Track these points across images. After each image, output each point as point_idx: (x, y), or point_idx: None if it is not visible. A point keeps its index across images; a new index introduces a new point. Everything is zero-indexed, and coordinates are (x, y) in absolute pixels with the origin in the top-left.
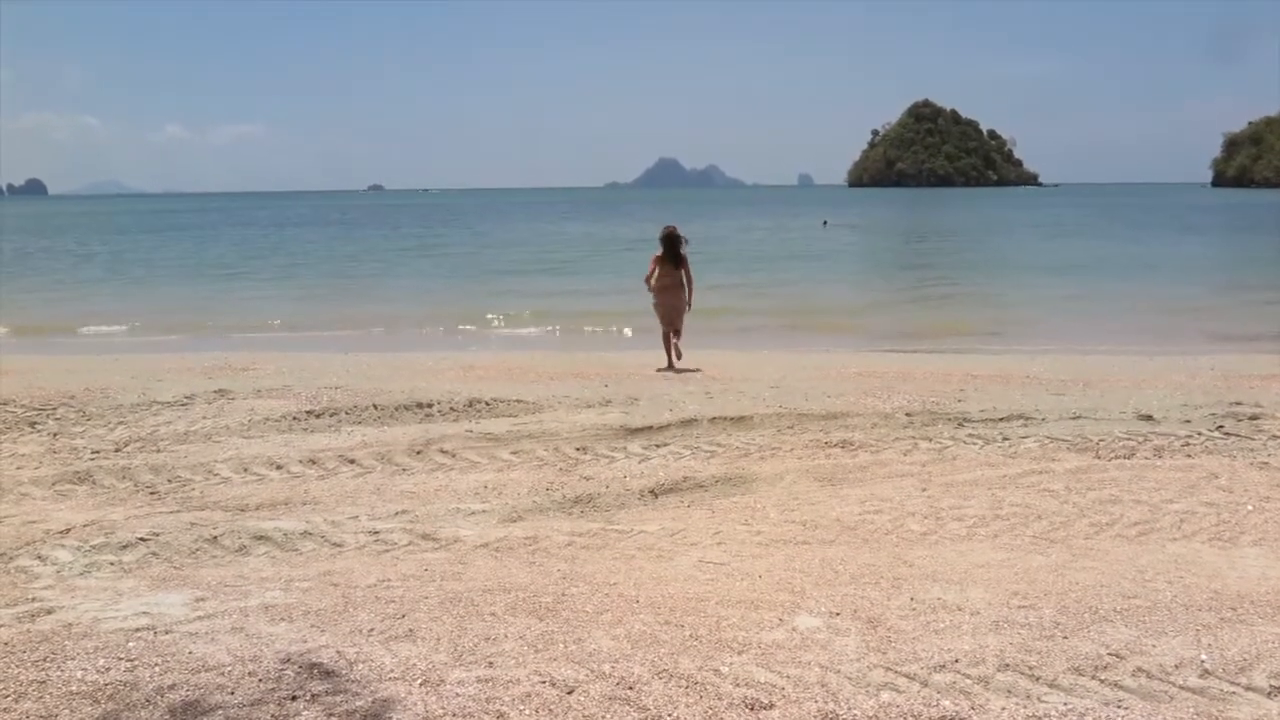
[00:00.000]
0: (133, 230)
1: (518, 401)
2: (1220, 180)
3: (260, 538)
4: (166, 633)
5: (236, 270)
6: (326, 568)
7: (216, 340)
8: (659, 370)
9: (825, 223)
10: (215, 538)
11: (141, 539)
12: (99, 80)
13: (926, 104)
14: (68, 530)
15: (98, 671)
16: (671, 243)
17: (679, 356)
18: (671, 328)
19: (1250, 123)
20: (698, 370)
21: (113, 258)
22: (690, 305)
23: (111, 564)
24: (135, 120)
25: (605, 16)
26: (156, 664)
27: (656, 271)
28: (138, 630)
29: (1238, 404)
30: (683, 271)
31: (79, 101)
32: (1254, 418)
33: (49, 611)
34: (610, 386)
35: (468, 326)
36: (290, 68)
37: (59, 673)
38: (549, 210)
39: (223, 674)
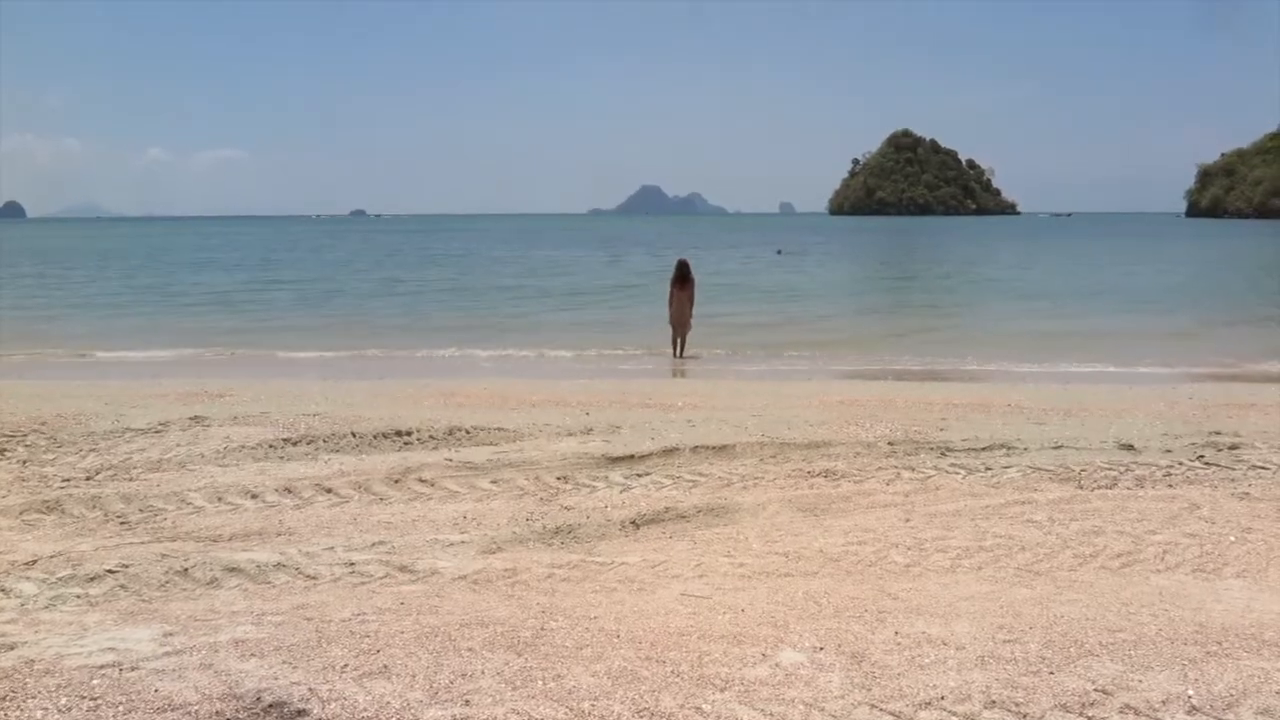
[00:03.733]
0: (128, 255)
1: (498, 429)
2: (1194, 211)
3: (232, 569)
4: (133, 669)
5: (244, 297)
6: (300, 601)
7: (194, 366)
8: (669, 354)
9: (779, 251)
10: (186, 570)
11: (110, 571)
12: (82, 102)
13: (906, 134)
14: (34, 561)
15: (59, 711)
16: (683, 269)
17: (683, 351)
18: (680, 331)
19: (1223, 154)
20: (679, 398)
21: (104, 282)
22: (692, 314)
23: (78, 597)
24: (117, 143)
25: (589, 44)
26: (120, 703)
27: (672, 293)
28: (103, 667)
29: (1217, 433)
30: (690, 290)
31: (61, 124)
32: (1234, 447)
33: (10, 647)
34: (592, 414)
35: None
36: (273, 93)
37: (18, 712)
38: (545, 238)
39: (189, 713)
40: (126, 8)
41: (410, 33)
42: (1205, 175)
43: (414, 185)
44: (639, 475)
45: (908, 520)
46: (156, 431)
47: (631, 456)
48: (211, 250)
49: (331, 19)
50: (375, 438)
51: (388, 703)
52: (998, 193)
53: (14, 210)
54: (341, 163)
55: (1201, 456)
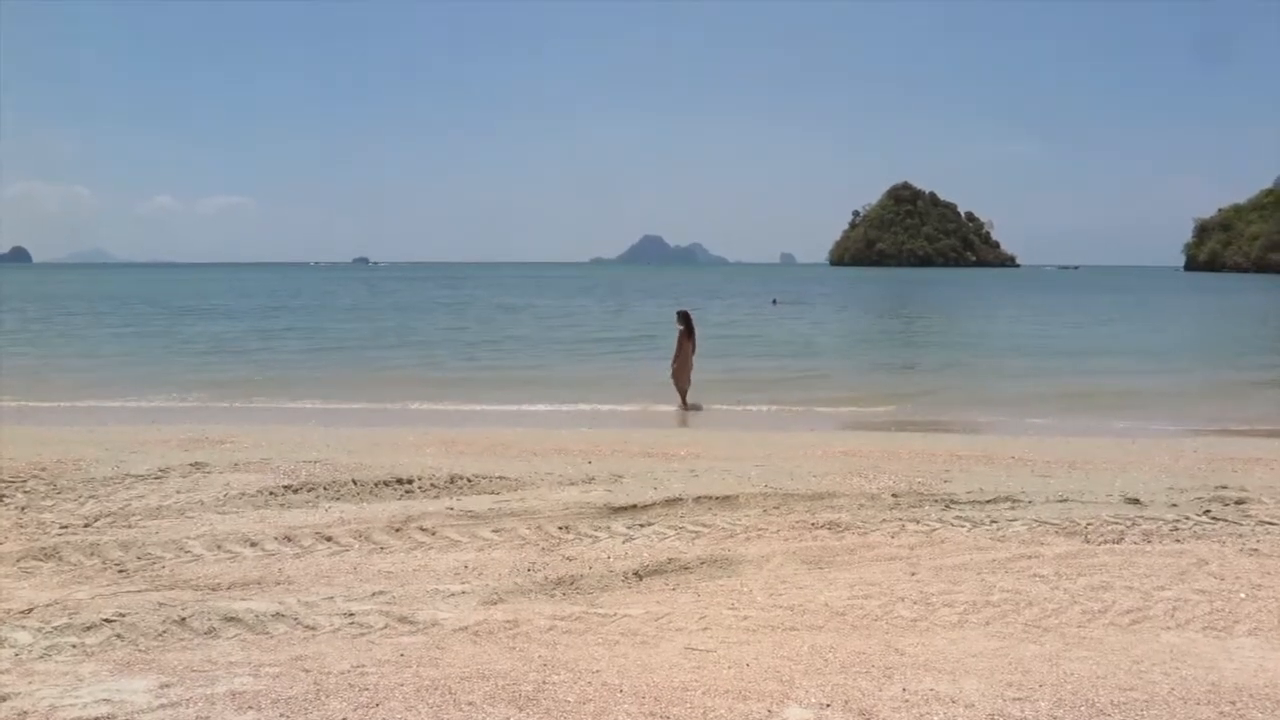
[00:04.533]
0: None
1: (500, 478)
2: (1192, 265)
3: (230, 619)
4: None
5: (249, 345)
6: (299, 652)
7: (196, 412)
8: (677, 408)
9: (775, 301)
10: (183, 619)
11: (106, 620)
12: (92, 150)
13: (906, 186)
14: (30, 610)
15: None
16: (688, 320)
17: (685, 401)
18: (685, 385)
19: (1220, 210)
20: (682, 447)
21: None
22: (693, 364)
23: (74, 646)
24: (125, 190)
25: (593, 95)
26: None
27: (680, 343)
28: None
29: (1223, 487)
30: (694, 341)
31: (70, 170)
32: (1240, 502)
33: (4, 699)
34: (594, 463)
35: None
36: (278, 141)
37: None
38: (551, 287)
39: None
40: (138, 56)
41: (413, 82)
42: (1202, 230)
43: (416, 233)
44: (641, 525)
45: (913, 574)
46: (156, 478)
47: (634, 506)
48: (217, 297)
49: (335, 68)
50: (376, 485)
51: None
52: (997, 245)
53: (20, 255)
54: (344, 210)
55: (1208, 511)
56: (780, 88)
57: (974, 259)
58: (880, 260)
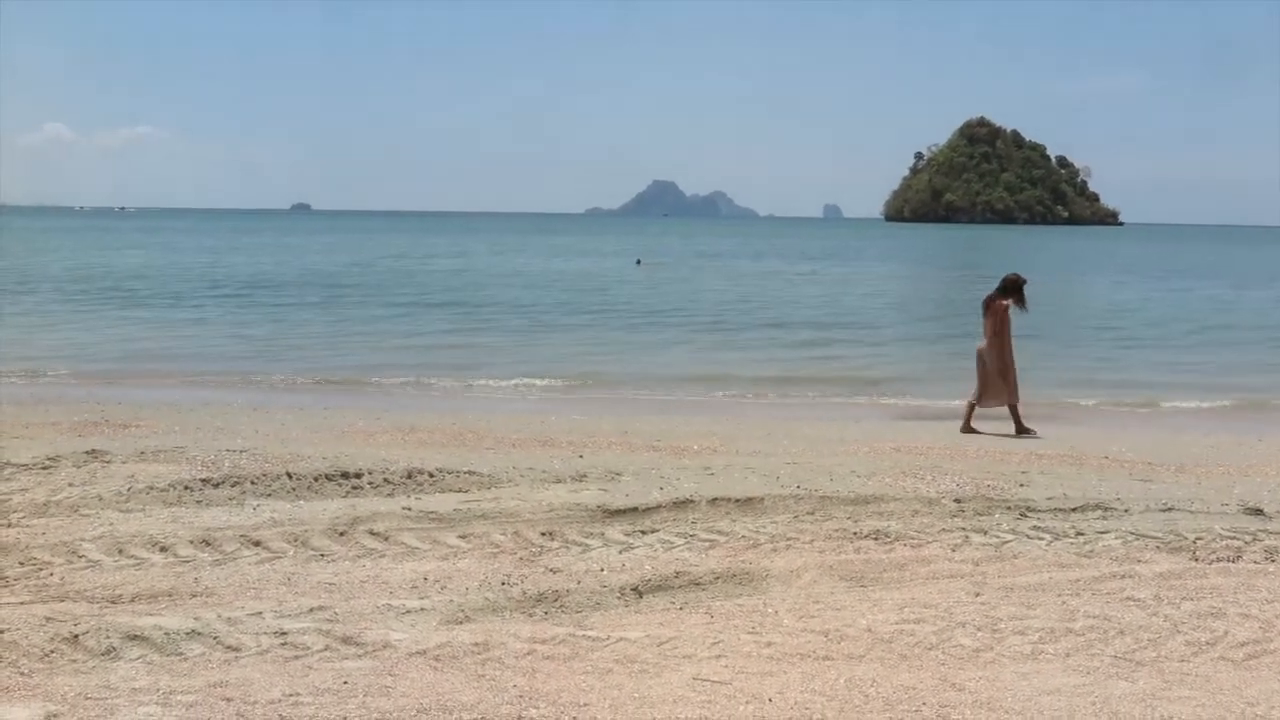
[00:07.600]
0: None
1: (469, 473)
2: None
3: (134, 637)
4: None
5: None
6: (218, 677)
7: (93, 387)
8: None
9: (639, 261)
10: (76, 636)
11: None
12: None
13: (982, 123)
14: None
15: None
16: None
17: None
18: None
19: None
20: (695, 440)
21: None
22: None
23: None
24: (5, 118)
25: (594, 18)
26: None
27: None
28: None
29: None
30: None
31: None
32: None
33: None
34: (586, 457)
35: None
36: (199, 62)
37: None
38: (550, 244)
39: None
40: None
41: (365, 15)
42: None
43: (366, 178)
44: (643, 532)
45: (978, 594)
46: (44, 468)
47: (634, 509)
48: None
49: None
50: (316, 480)
51: None
52: (1095, 198)
53: None
54: (280, 149)
55: None
56: (825, 6)
57: (1066, 215)
58: (948, 215)
